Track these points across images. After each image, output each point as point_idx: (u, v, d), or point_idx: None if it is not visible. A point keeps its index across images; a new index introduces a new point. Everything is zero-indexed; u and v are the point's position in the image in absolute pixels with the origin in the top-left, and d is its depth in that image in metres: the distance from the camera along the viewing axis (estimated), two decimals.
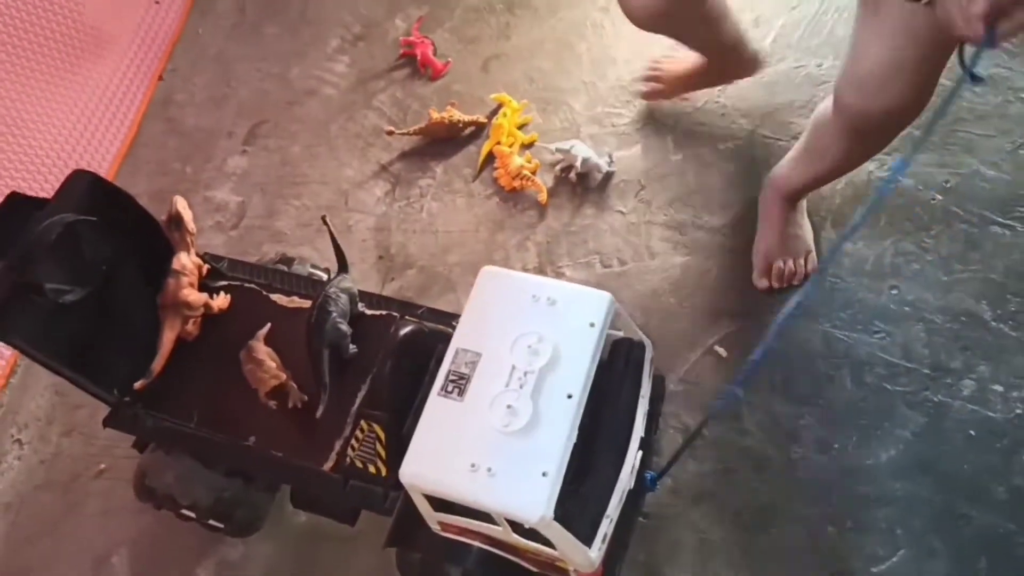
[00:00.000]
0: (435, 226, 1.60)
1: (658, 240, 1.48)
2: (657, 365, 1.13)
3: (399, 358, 1.07)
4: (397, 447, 1.03)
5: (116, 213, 1.16)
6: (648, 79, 1.59)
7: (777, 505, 1.21)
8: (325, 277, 1.36)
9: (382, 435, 1.05)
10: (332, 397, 1.11)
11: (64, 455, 1.51)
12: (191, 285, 1.21)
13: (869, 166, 1.39)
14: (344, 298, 1.16)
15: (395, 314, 1.20)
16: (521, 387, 0.93)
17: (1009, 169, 1.38)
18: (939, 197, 1.38)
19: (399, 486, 1.03)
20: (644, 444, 1.05)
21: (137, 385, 1.16)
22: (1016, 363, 1.24)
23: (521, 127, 1.67)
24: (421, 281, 1.54)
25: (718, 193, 1.50)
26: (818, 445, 1.24)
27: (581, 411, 0.92)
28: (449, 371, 0.96)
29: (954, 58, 0.84)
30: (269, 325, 1.19)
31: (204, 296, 1.22)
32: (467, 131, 1.69)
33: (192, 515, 1.23)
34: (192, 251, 1.23)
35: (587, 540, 0.92)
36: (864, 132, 1.10)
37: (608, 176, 1.56)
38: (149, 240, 1.21)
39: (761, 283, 1.37)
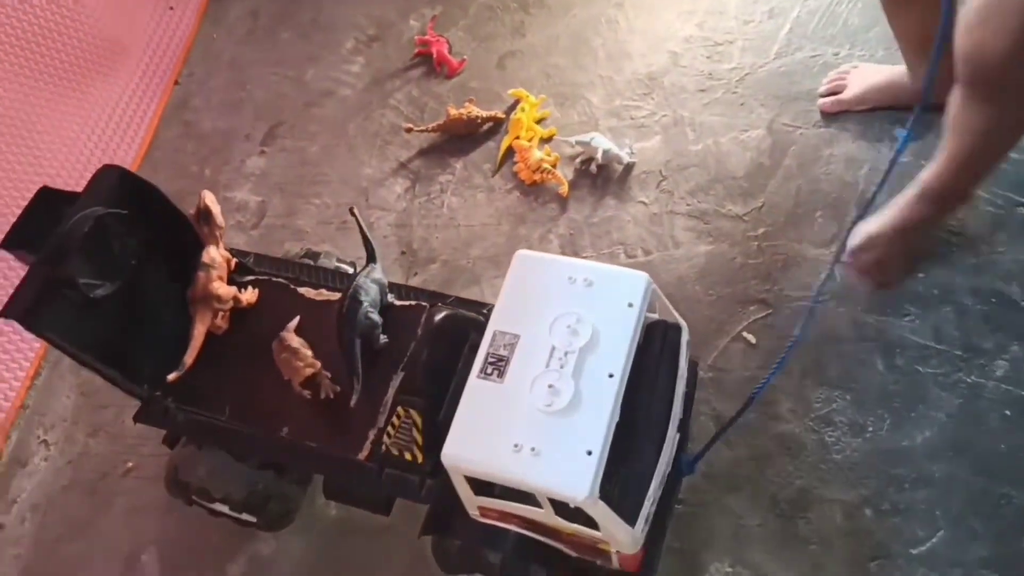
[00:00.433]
0: (456, 221, 1.60)
1: (681, 229, 1.48)
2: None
3: (434, 343, 1.06)
4: (433, 434, 1.02)
5: (145, 207, 1.16)
6: (828, 92, 1.52)
7: (813, 489, 1.20)
8: (351, 271, 1.35)
9: (419, 421, 1.04)
10: (364, 387, 1.11)
11: (91, 455, 1.51)
12: (220, 278, 1.20)
13: None
14: (374, 288, 1.16)
15: (424, 304, 1.20)
16: (562, 367, 0.92)
17: None
18: None
19: (435, 473, 1.03)
20: (681, 426, 1.04)
21: (170, 377, 1.15)
22: None
23: (539, 122, 1.67)
24: (445, 275, 1.54)
25: (740, 182, 1.50)
26: (852, 428, 1.23)
27: (623, 390, 0.91)
28: (488, 353, 0.95)
29: None
30: (299, 317, 1.18)
31: (233, 289, 1.22)
32: (485, 127, 1.69)
33: (225, 509, 1.22)
34: (221, 245, 1.23)
35: (631, 520, 0.91)
36: (986, 83, 1.02)
37: (629, 168, 1.56)
38: (177, 235, 1.20)
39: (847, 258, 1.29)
